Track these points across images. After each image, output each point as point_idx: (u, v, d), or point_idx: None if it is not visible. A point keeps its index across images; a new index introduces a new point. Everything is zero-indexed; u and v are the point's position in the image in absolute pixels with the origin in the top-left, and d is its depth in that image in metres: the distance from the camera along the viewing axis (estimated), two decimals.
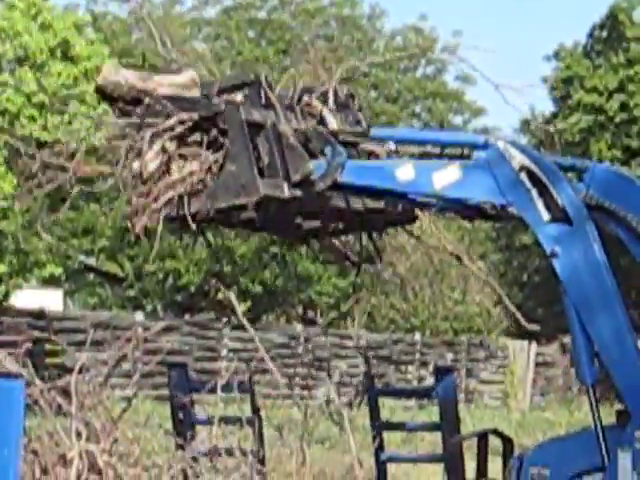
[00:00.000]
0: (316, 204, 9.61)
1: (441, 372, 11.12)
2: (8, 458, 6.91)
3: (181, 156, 9.21)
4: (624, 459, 8.69)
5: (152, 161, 9.12)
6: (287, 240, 11.15)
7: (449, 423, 10.51)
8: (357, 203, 9.80)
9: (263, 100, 9.50)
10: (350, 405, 11.12)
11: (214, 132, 9.23)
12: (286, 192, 9.28)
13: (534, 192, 9.01)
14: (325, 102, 9.85)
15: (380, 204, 9.81)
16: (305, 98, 9.81)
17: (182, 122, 9.20)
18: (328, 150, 9.47)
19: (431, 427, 10.95)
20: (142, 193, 9.18)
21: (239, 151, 9.15)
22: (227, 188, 9.16)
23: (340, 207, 9.67)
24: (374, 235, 10.52)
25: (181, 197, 9.06)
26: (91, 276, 28.98)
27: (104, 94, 9.65)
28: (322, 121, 9.75)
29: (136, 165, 9.16)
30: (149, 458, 8.91)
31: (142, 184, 9.17)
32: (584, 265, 8.85)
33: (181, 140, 9.28)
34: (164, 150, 9.14)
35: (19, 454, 7.15)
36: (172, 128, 9.15)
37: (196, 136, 9.29)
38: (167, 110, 9.21)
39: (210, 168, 9.15)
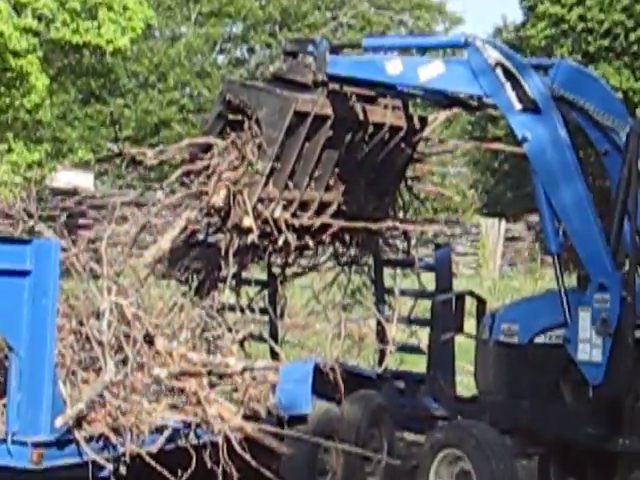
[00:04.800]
0: None
1: (439, 246, 11.15)
2: (46, 306, 7.03)
3: None
4: (584, 317, 8.76)
5: None
6: None
7: (443, 289, 10.59)
8: None
9: None
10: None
11: None
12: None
13: (507, 85, 9.09)
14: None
15: None
16: None
17: None
18: (311, 47, 9.75)
19: (430, 294, 10.83)
20: None
21: None
22: None
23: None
24: None
25: None
26: (117, 161, 28.79)
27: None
28: None
29: None
30: (171, 313, 9.02)
31: None
32: (551, 147, 8.92)
33: None
34: None
35: (56, 304, 7.23)
36: None
37: None
38: None
39: None
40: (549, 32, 31.83)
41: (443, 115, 11.06)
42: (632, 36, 30.98)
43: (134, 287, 8.62)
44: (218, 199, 9.31)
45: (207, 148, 9.59)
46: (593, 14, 31.11)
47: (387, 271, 11.12)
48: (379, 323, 10.67)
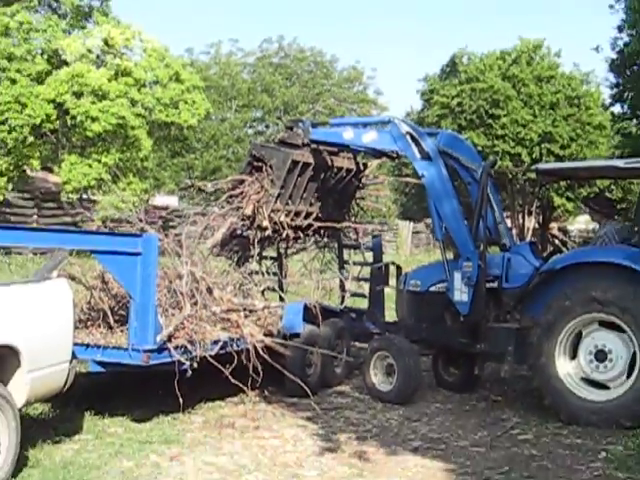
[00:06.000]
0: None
1: (375, 237, 11.09)
2: (150, 273, 7.10)
3: None
4: (457, 276, 8.76)
5: None
6: None
7: (377, 260, 10.54)
8: None
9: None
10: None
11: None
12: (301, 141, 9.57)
13: (413, 145, 9.09)
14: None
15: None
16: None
17: None
18: (300, 125, 9.71)
19: (369, 263, 10.70)
20: None
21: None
22: None
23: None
24: None
25: None
26: (191, 190, 28.56)
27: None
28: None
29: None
30: (222, 275, 9.01)
31: None
32: (437, 180, 8.93)
33: None
34: None
35: (156, 271, 7.28)
36: None
37: None
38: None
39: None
40: (438, 113, 31.73)
41: (376, 162, 11.01)
42: (488, 114, 31.10)
43: (201, 261, 8.62)
44: (248, 211, 9.27)
45: (242, 182, 9.55)
46: (466, 101, 31.08)
47: (346, 251, 11.09)
48: (341, 280, 10.65)
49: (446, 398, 9.10)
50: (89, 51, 21.71)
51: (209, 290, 8.13)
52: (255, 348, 7.75)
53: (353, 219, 10.94)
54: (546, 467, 6.59)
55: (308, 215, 9.86)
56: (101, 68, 21.74)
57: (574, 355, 8.05)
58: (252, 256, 9.59)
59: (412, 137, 9.02)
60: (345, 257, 10.98)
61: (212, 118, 35.30)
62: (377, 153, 10.14)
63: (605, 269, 7.99)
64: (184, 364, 7.18)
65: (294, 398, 8.47)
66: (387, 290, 10.41)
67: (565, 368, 8.02)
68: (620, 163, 8.46)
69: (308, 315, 8.87)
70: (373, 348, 9.04)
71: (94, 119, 20.96)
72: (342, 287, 10.62)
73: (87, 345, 7.21)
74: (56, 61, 21.54)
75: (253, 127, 42.05)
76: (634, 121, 19.19)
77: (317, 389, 8.80)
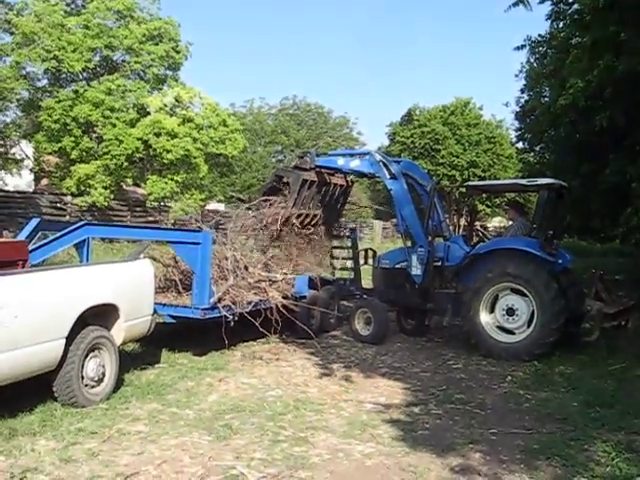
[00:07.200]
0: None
1: (352, 230, 11.01)
2: (206, 256, 6.99)
3: None
4: (413, 257, 8.67)
5: None
6: None
7: (355, 248, 10.40)
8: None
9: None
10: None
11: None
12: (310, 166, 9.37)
13: (384, 168, 8.98)
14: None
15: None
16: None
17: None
18: (308, 155, 9.50)
19: (348, 247, 10.42)
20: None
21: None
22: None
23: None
24: None
25: None
26: (234, 200, 28.16)
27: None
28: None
29: None
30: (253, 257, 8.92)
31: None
32: (400, 193, 8.83)
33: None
34: None
35: (210, 254, 7.15)
36: None
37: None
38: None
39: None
40: (399, 148, 31.70)
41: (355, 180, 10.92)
42: (432, 149, 31.05)
43: (240, 247, 8.52)
44: (273, 223, 9.09)
45: (266, 200, 9.39)
46: (417, 140, 31.11)
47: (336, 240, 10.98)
48: (331, 261, 10.58)
49: (405, 340, 9.06)
50: (165, 105, 21.56)
51: (245, 267, 8.07)
52: (276, 306, 7.70)
53: (343, 218, 10.84)
54: (471, 386, 6.59)
55: (314, 216, 9.75)
56: (173, 117, 21.59)
57: (492, 310, 8.04)
58: (272, 245, 9.52)
59: (383, 163, 8.94)
60: (335, 244, 10.87)
61: (247, 151, 35.03)
62: (360, 174, 10.01)
63: (514, 253, 7.99)
64: (229, 317, 7.13)
65: (302, 339, 8.42)
66: (364, 267, 10.29)
67: (486, 319, 8.01)
68: (523, 181, 8.44)
69: (311, 283, 8.78)
70: (356, 306, 9.00)
71: (168, 151, 20.94)
72: (333, 265, 10.51)
73: (164, 304, 7.16)
74: (143, 112, 21.44)
75: (275, 157, 41.81)
76: (531, 154, 19.33)
77: (318, 334, 8.73)
